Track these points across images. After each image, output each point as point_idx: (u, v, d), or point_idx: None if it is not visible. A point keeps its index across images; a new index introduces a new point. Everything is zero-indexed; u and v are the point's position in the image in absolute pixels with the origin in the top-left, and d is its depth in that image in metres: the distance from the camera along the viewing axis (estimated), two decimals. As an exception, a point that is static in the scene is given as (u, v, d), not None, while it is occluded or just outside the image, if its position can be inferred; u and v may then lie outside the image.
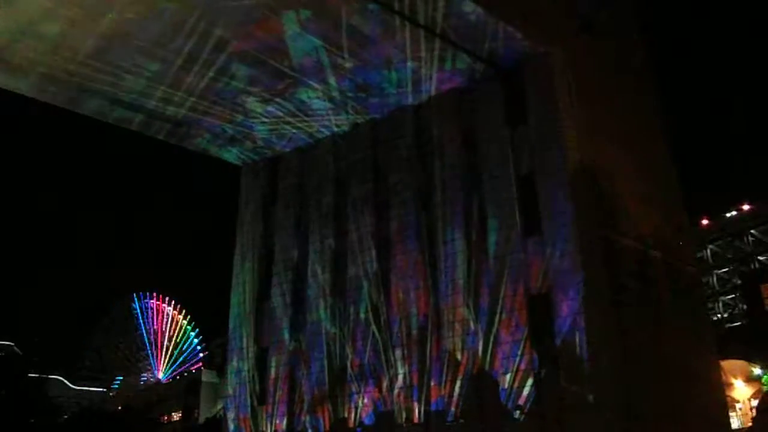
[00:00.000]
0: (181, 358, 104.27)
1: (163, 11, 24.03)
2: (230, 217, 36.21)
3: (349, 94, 29.65)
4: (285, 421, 30.12)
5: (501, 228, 26.35)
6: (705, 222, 77.35)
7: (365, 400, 27.81)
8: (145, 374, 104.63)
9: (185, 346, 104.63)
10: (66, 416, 59.46)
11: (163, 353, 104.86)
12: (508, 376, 24.58)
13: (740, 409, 49.78)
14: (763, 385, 48.65)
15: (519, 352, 24.56)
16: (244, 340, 32.89)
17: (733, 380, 48.00)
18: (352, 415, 28.02)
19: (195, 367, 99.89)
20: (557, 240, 24.79)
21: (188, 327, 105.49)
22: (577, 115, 26.58)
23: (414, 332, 27.24)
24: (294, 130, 32.67)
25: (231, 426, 31.91)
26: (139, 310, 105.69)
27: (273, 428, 30.31)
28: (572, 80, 26.90)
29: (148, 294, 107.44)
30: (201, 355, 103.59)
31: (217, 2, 23.89)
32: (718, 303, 76.67)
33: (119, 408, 77.11)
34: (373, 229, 30.01)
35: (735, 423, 45.43)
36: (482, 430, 24.80)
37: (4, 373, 48.54)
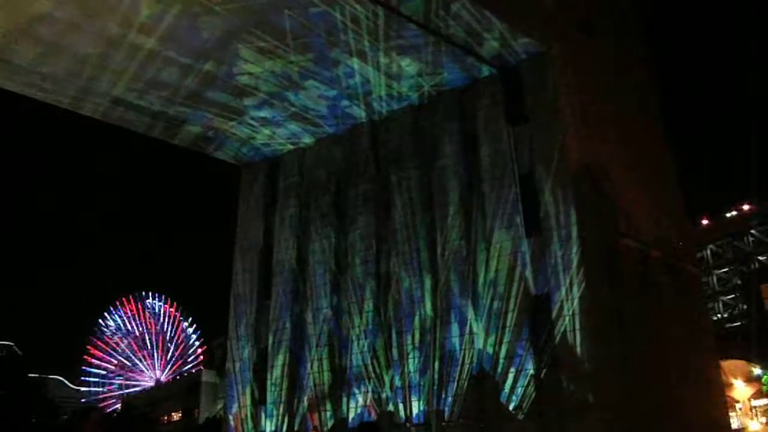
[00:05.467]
0: (181, 359, 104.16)
1: (165, 12, 24.05)
2: (230, 217, 36.29)
3: (350, 94, 29.64)
4: (285, 421, 30.13)
5: (501, 228, 26.35)
6: (705, 222, 77.30)
7: (365, 400, 27.81)
8: (145, 374, 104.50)
9: (185, 346, 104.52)
10: (66, 416, 59.42)
11: (163, 353, 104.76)
12: (508, 376, 24.59)
13: (740, 409, 49.80)
14: (763, 385, 48.69)
15: (519, 352, 24.58)
16: (244, 339, 32.89)
17: (733, 380, 48.05)
18: (352, 415, 28.02)
19: (195, 367, 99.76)
20: (557, 240, 24.78)
21: (189, 328, 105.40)
22: (577, 115, 26.55)
23: (414, 332, 27.24)
24: (294, 130, 32.67)
25: (231, 426, 31.92)
26: (139, 310, 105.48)
27: (273, 428, 30.31)
28: (572, 79, 26.88)
29: (148, 294, 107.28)
30: (201, 355, 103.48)
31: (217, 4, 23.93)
32: (718, 303, 76.55)
33: (120, 408, 77.06)
34: (373, 229, 30.03)
35: (735, 423, 45.44)
36: (482, 429, 24.82)
37: (4, 373, 48.52)
